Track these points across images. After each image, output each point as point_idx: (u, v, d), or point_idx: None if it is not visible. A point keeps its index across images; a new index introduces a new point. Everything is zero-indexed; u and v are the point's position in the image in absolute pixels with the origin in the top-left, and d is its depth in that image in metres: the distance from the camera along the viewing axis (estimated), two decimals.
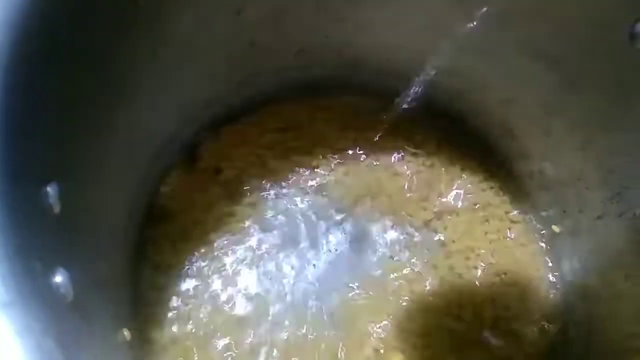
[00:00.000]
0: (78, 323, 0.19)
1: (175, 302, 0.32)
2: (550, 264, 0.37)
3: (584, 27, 0.29)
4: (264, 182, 0.38)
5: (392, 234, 0.37)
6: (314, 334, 0.32)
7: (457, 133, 0.41)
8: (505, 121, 0.38)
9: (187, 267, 0.34)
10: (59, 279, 0.17)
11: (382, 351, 0.32)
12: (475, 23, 0.32)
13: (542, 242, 0.37)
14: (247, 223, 0.36)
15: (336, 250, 0.36)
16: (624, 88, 0.29)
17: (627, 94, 0.29)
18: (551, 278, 0.36)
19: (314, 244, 0.36)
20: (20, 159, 0.17)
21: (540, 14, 0.30)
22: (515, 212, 0.39)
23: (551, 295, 0.35)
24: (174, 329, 0.32)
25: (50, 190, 0.18)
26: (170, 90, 0.31)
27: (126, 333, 0.26)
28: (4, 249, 0.14)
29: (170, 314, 0.32)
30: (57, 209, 0.19)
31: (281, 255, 0.35)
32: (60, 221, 0.19)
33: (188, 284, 0.33)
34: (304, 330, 0.33)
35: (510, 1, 0.30)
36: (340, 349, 0.32)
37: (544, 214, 0.37)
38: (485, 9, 0.30)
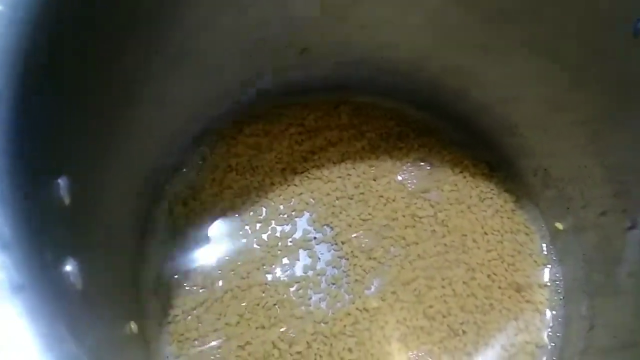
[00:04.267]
0: (88, 312, 0.19)
1: (178, 297, 0.33)
2: (554, 260, 0.37)
3: (587, 23, 0.29)
4: (268, 180, 0.38)
5: (397, 230, 0.37)
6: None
7: (461, 131, 0.41)
8: (508, 119, 0.38)
9: (193, 262, 0.34)
10: (68, 267, 0.18)
11: None
12: (475, 21, 0.33)
13: (546, 238, 0.38)
14: (254, 220, 0.37)
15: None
16: (627, 84, 0.29)
17: (631, 90, 0.29)
18: (555, 274, 0.36)
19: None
20: (34, 152, 0.17)
21: (541, 11, 0.31)
22: (519, 209, 0.39)
23: (554, 291, 0.36)
24: (177, 323, 0.32)
25: (61, 182, 0.19)
26: (175, 88, 0.31)
27: (133, 326, 0.27)
28: (17, 237, 0.15)
29: (174, 309, 0.32)
30: (67, 201, 0.19)
31: (294, 250, 0.36)
32: (70, 213, 0.19)
33: (194, 280, 0.34)
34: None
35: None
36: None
37: (548, 210, 0.37)
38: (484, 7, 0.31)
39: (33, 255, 0.15)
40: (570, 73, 0.31)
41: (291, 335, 0.33)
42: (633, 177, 0.29)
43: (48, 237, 0.17)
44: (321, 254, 0.36)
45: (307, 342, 0.33)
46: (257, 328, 0.33)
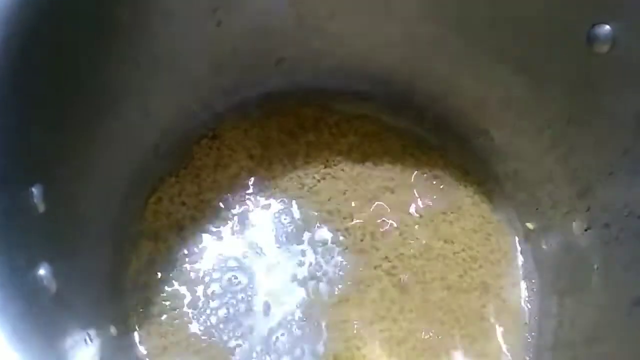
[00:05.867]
0: (63, 315, 0.20)
1: (156, 302, 0.34)
2: (527, 259, 0.38)
3: (543, 30, 0.31)
4: (248, 189, 0.39)
5: (374, 233, 0.38)
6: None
7: (436, 135, 0.42)
8: (481, 123, 0.40)
9: (170, 269, 0.35)
10: (42, 272, 0.19)
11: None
12: (445, 31, 0.34)
13: (520, 238, 0.39)
14: (230, 230, 0.37)
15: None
16: (585, 89, 0.31)
17: (589, 95, 0.30)
18: (527, 273, 0.37)
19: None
20: (7, 161, 0.18)
21: (506, 23, 0.32)
22: (493, 211, 0.40)
23: (526, 289, 0.37)
24: (155, 329, 0.33)
25: (35, 191, 0.20)
26: (155, 98, 0.32)
27: (112, 329, 0.28)
28: None
29: (152, 315, 0.33)
30: (41, 208, 0.20)
31: (270, 258, 0.37)
32: (45, 220, 0.20)
33: (170, 286, 0.34)
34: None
35: (470, 9, 0.31)
36: None
37: (519, 211, 0.38)
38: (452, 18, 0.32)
39: (4, 259, 0.16)
40: (531, 78, 0.33)
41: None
42: (594, 177, 0.31)
43: (21, 242, 0.18)
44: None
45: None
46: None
